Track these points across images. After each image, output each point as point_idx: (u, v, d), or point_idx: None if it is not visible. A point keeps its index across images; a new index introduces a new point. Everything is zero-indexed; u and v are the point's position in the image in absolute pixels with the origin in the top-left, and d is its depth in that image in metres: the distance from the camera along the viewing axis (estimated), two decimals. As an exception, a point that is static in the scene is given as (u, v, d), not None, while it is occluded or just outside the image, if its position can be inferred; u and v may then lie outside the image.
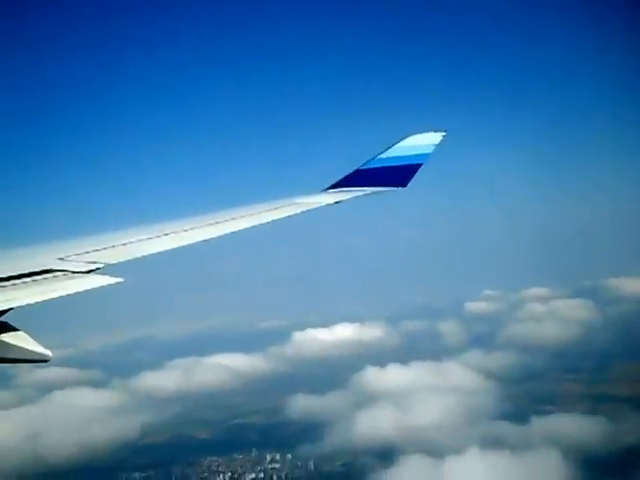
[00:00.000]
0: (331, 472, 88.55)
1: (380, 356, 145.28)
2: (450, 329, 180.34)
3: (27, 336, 6.18)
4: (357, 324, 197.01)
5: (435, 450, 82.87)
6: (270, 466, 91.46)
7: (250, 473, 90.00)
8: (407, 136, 13.12)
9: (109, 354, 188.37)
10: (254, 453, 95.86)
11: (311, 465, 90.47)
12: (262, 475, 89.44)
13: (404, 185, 12.55)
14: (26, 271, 7.39)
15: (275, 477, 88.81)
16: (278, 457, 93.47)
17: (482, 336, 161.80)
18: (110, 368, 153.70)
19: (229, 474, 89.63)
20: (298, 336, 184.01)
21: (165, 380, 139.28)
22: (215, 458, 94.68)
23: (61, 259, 8.09)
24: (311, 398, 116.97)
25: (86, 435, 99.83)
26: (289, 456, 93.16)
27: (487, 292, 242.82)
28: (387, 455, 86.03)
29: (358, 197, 12.02)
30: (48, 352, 6.03)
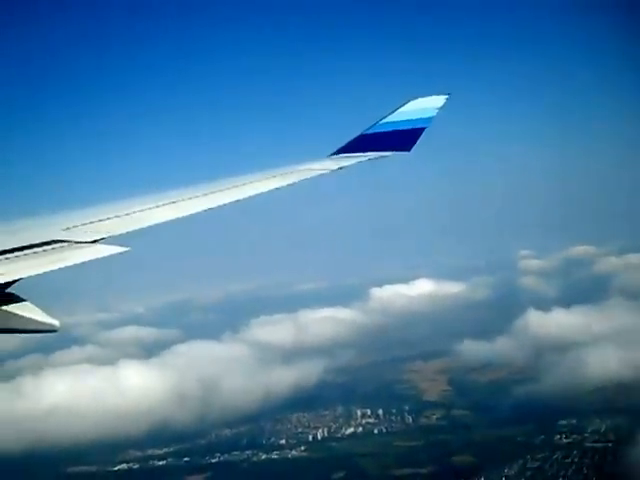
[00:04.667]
0: (429, 425, 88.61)
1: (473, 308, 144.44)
2: (534, 283, 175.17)
3: (34, 307, 6.20)
4: (434, 280, 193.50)
5: None
6: (364, 421, 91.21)
7: (347, 428, 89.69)
8: (410, 100, 13.09)
9: (169, 315, 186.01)
10: (340, 409, 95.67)
11: (409, 419, 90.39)
12: (361, 429, 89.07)
13: (408, 150, 12.50)
14: (31, 242, 7.44)
15: (376, 431, 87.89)
16: (369, 412, 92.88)
17: (589, 287, 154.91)
18: (186, 328, 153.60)
19: (325, 429, 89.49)
20: (377, 292, 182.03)
21: (272, 334, 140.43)
22: (303, 414, 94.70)
23: (66, 230, 8.14)
24: (480, 344, 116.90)
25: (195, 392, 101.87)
26: (380, 411, 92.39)
27: (524, 252, 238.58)
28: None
29: (362, 162, 12.09)
30: (55, 322, 6.11)
